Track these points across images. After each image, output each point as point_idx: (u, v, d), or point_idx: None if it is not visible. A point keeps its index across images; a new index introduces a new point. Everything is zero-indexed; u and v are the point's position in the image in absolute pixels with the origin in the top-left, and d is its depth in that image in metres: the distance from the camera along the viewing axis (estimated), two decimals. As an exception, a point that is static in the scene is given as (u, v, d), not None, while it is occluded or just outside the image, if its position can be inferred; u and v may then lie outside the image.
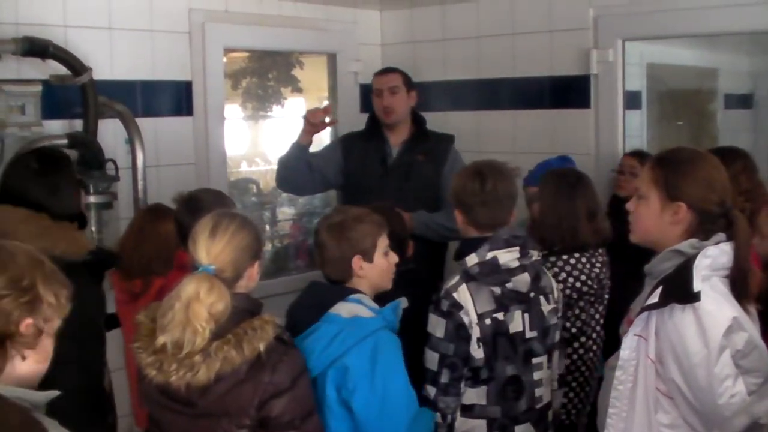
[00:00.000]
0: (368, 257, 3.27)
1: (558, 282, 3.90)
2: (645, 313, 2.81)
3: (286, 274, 6.17)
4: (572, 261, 4.02)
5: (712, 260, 2.75)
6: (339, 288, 3.27)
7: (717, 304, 2.71)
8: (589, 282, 4.04)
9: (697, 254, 2.76)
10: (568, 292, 3.99)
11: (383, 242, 3.32)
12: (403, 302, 3.24)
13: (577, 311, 4.04)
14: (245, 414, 2.74)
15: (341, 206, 3.49)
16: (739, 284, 2.79)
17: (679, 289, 2.71)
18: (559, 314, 3.70)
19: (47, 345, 2.23)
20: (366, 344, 3.06)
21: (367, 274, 3.28)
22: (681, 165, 2.92)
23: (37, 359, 2.20)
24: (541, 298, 3.56)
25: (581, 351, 4.08)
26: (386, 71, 5.32)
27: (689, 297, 2.68)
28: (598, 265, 4.09)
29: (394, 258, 3.38)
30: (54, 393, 2.19)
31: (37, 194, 3.41)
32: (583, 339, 4.08)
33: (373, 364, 3.05)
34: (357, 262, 3.25)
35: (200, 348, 2.67)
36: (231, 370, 2.69)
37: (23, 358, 2.17)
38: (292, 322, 3.24)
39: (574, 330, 4.05)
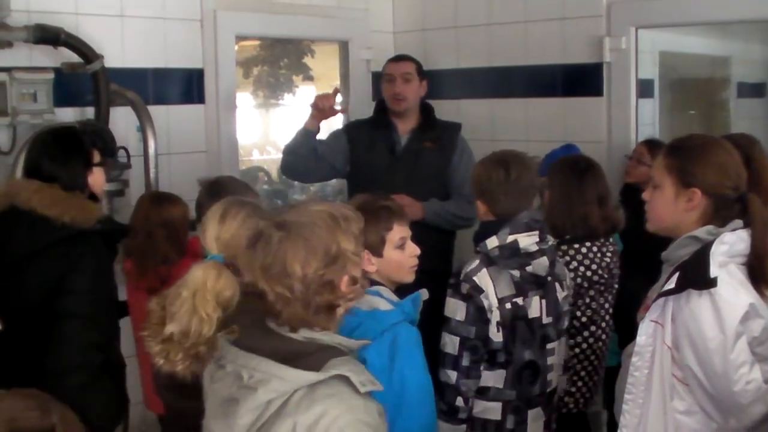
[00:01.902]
0: (376, 252, 3.19)
1: (569, 270, 3.91)
2: (661, 299, 2.80)
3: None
4: (583, 250, 4.02)
5: (729, 246, 2.75)
6: None
7: (734, 290, 2.70)
8: (600, 271, 4.04)
9: (713, 240, 2.76)
10: (579, 281, 3.98)
11: (396, 235, 3.21)
12: (423, 294, 3.17)
13: (587, 300, 4.04)
14: None
15: (357, 196, 3.45)
16: (756, 270, 2.78)
17: (696, 275, 2.70)
18: (570, 301, 3.71)
19: (361, 283, 2.39)
20: (385, 338, 3.00)
21: (379, 268, 3.20)
22: (693, 151, 2.93)
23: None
24: (556, 284, 3.58)
25: (591, 340, 4.08)
26: (401, 58, 5.29)
27: (706, 283, 2.67)
28: (609, 254, 4.09)
29: (413, 250, 3.26)
30: (366, 342, 2.40)
31: (47, 166, 3.51)
32: (593, 328, 4.07)
33: (392, 359, 3.00)
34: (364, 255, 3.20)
35: (207, 337, 2.66)
36: None
37: (347, 309, 2.34)
38: None
39: (584, 319, 4.04)
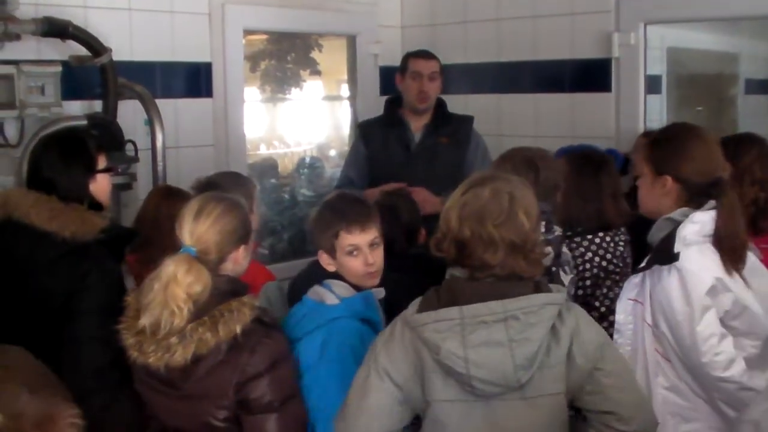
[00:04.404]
0: (332, 254, 3.16)
1: (584, 261, 3.93)
2: (637, 278, 3.06)
3: (305, 256, 6.15)
4: (597, 240, 4.02)
5: (701, 226, 2.96)
6: (320, 271, 3.19)
7: (700, 266, 2.91)
8: (615, 260, 4.04)
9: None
10: (595, 271, 3.98)
11: (344, 242, 3.13)
12: (378, 293, 3.17)
13: (605, 290, 4.04)
14: (224, 395, 2.77)
15: (335, 192, 3.50)
16: (726, 250, 2.98)
17: (662, 252, 2.94)
18: (588, 291, 3.71)
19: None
20: (319, 332, 3.01)
21: (338, 269, 3.17)
22: (666, 141, 3.17)
23: None
24: (560, 270, 3.58)
25: (611, 330, 4.08)
26: (428, 56, 5.25)
27: (669, 258, 2.91)
28: (621, 244, 4.10)
29: (366, 259, 3.16)
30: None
31: (47, 172, 3.42)
32: (611, 318, 4.07)
33: (321, 353, 2.99)
34: (321, 256, 3.18)
35: (178, 329, 2.69)
36: (207, 351, 2.70)
37: None
38: (291, 301, 3.23)
39: (603, 309, 4.04)
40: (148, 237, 4.00)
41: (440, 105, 5.25)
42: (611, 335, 4.06)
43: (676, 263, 2.91)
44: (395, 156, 5.11)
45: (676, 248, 2.90)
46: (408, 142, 5.16)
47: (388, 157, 5.11)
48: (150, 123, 4.74)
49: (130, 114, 4.81)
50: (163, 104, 4.86)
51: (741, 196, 3.25)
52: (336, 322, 3.03)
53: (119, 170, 4.49)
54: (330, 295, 3.10)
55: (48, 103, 4.44)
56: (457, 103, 5.47)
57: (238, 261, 2.94)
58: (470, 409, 2.56)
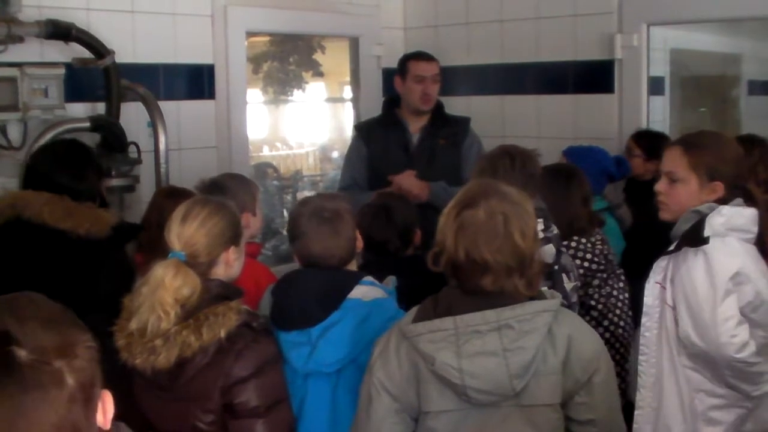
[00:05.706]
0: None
1: None
2: (664, 261, 3.16)
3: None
4: (573, 244, 4.09)
5: (727, 219, 3.07)
6: (349, 273, 3.17)
7: (726, 252, 3.04)
8: (596, 259, 4.10)
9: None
10: (581, 271, 4.03)
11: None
12: (392, 281, 3.24)
13: (597, 289, 4.08)
14: (210, 399, 2.78)
15: (325, 195, 3.53)
16: (761, 244, 3.14)
17: (692, 236, 3.07)
18: (580, 293, 3.73)
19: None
20: (389, 325, 2.95)
21: None
22: (714, 149, 3.24)
23: None
24: (563, 275, 3.59)
25: (612, 327, 4.13)
26: (430, 58, 5.24)
27: (699, 240, 3.03)
28: (599, 243, 4.17)
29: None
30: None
31: (60, 179, 3.47)
32: (610, 315, 4.12)
33: None
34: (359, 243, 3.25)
35: (163, 332, 2.70)
36: (192, 354, 2.72)
37: None
38: (291, 312, 3.08)
39: (600, 306, 4.10)
40: (154, 238, 4.02)
41: (438, 106, 5.24)
42: (614, 333, 4.13)
43: (704, 247, 3.04)
44: (395, 157, 5.11)
45: (706, 233, 3.03)
46: (407, 143, 5.16)
47: (387, 159, 5.11)
48: (153, 125, 4.74)
49: (133, 116, 4.81)
50: (165, 106, 4.85)
51: None
52: (399, 312, 3.05)
53: (120, 172, 4.51)
54: (378, 290, 3.12)
55: (51, 105, 4.43)
56: (460, 105, 5.48)
57: (229, 263, 2.95)
58: (464, 418, 2.55)
